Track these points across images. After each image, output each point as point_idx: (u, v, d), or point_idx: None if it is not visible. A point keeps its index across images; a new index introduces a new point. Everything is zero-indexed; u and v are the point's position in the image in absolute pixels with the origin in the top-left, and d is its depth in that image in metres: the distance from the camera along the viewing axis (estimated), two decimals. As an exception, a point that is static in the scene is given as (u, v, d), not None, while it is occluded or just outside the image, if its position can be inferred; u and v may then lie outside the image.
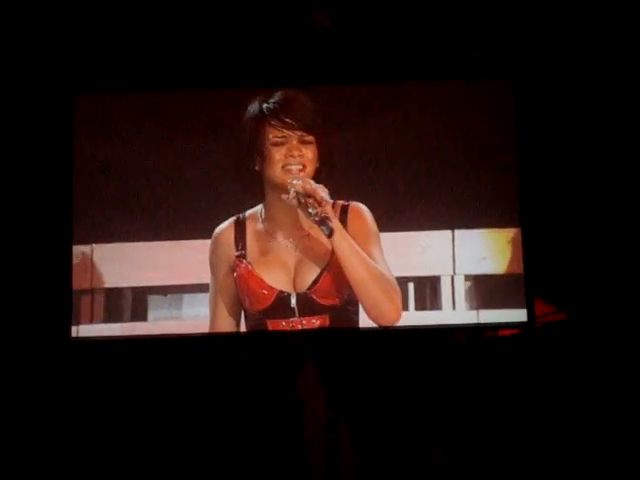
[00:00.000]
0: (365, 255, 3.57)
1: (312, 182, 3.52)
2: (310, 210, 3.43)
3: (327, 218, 3.43)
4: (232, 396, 3.90)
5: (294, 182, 3.49)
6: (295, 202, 3.48)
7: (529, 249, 3.87)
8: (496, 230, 3.89)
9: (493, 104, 3.99)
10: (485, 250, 3.86)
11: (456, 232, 3.87)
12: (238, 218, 3.75)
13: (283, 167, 3.62)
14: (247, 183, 3.72)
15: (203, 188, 3.94)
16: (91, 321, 3.88)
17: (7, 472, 3.78)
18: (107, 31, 4.07)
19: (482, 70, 4.05)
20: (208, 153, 3.96)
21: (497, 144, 3.96)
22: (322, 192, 3.47)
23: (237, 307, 3.72)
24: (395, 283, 3.64)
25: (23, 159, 4.04)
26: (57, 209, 3.97)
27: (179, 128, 4.00)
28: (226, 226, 3.75)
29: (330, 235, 3.45)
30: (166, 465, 3.86)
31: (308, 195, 3.45)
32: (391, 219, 3.76)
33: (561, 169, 4.01)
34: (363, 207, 3.69)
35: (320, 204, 3.43)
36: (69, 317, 3.87)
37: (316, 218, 3.42)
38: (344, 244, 3.53)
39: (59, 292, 3.89)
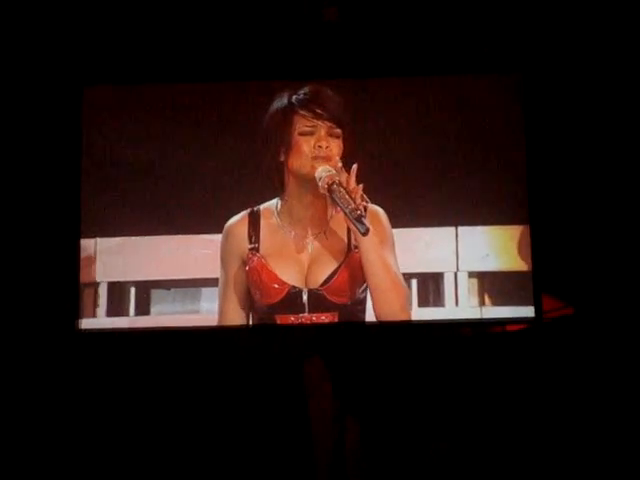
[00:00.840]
0: (388, 261, 3.56)
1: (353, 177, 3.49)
2: (346, 205, 3.41)
3: (363, 216, 3.42)
4: (239, 389, 3.90)
5: (333, 174, 3.48)
6: (325, 189, 3.46)
7: (537, 245, 3.84)
8: (499, 227, 3.87)
9: (502, 100, 3.95)
10: (488, 247, 3.85)
11: (459, 229, 3.85)
12: (252, 211, 3.72)
13: (311, 157, 3.58)
14: (268, 174, 3.69)
15: (210, 182, 3.93)
16: (94, 315, 3.90)
17: (14, 463, 3.82)
18: (116, 22, 4.07)
19: (491, 65, 4.00)
20: (216, 147, 3.95)
21: (505, 140, 3.93)
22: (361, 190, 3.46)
23: (247, 300, 3.71)
24: (408, 292, 3.68)
25: (31, 152, 4.05)
26: (65, 202, 3.98)
27: (187, 121, 3.99)
28: (239, 218, 3.72)
29: (366, 233, 3.41)
30: (172, 457, 3.88)
31: (348, 190, 3.44)
32: (395, 215, 3.71)
33: (570, 165, 3.98)
34: (381, 211, 3.66)
35: (357, 200, 3.42)
36: (76, 309, 3.89)
37: (352, 215, 3.39)
38: (373, 249, 3.51)
39: (66, 285, 3.91)
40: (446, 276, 3.83)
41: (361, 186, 3.46)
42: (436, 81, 3.99)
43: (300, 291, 3.65)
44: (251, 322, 3.75)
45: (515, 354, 3.93)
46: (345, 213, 3.41)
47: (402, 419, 3.87)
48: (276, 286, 3.65)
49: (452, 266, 3.84)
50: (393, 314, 3.60)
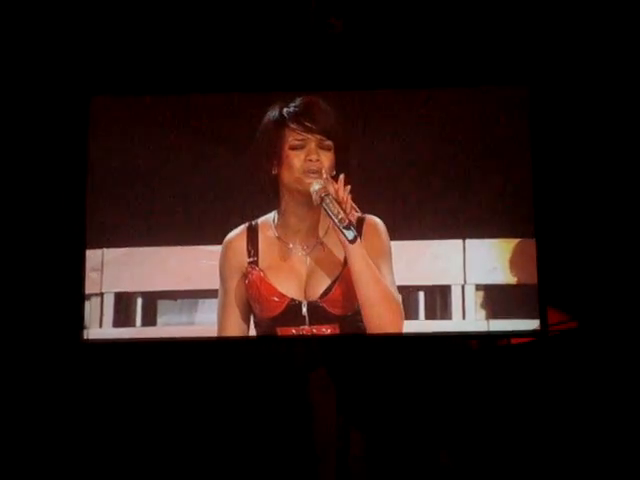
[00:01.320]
0: (378, 273, 3.55)
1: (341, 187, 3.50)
2: (335, 213, 3.42)
3: (352, 224, 3.43)
4: (242, 402, 3.90)
5: (322, 184, 3.50)
6: (318, 202, 3.47)
7: (542, 259, 3.84)
8: (507, 240, 3.86)
9: (508, 112, 3.95)
10: (496, 260, 3.85)
11: (467, 242, 3.85)
12: (250, 225, 3.74)
13: (302, 172, 3.60)
14: (263, 187, 3.70)
15: (215, 194, 3.94)
16: (100, 325, 3.89)
17: (19, 472, 3.81)
18: (123, 34, 4.08)
19: (497, 78, 4.01)
20: (222, 159, 3.95)
21: (511, 153, 3.93)
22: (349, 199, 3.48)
23: (247, 314, 3.71)
24: (401, 306, 3.65)
25: (37, 161, 4.05)
26: (70, 212, 3.98)
27: (193, 132, 4.00)
28: (238, 233, 3.74)
29: (353, 241, 3.43)
30: (176, 468, 3.87)
31: (337, 199, 3.45)
32: (402, 228, 3.74)
33: (575, 179, 3.98)
34: (379, 221, 3.67)
35: (347, 210, 3.43)
36: (81, 320, 3.89)
37: (341, 223, 3.40)
38: (360, 258, 3.51)
39: (71, 295, 3.91)
40: (453, 289, 3.83)
41: (349, 196, 3.48)
42: (442, 94, 3.99)
43: (300, 303, 3.66)
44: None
45: (520, 367, 3.92)
46: (333, 222, 3.43)
47: (406, 431, 3.86)
48: (275, 299, 3.66)
49: (460, 279, 3.84)
50: (382, 328, 3.60)
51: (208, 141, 3.98)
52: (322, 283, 3.65)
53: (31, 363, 3.92)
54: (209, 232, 3.86)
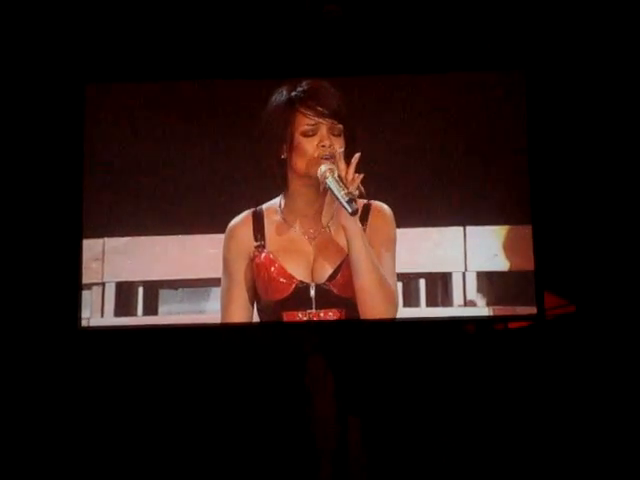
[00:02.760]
0: (377, 263, 3.56)
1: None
2: (337, 188, 3.41)
3: (354, 198, 3.41)
4: (241, 387, 3.90)
5: (332, 167, 3.48)
6: (323, 180, 3.47)
7: (539, 245, 3.86)
8: (508, 227, 3.88)
9: (505, 98, 3.96)
10: (496, 247, 3.86)
11: (467, 229, 3.86)
12: (255, 211, 3.72)
13: (314, 157, 3.57)
14: (271, 171, 3.68)
15: (216, 181, 3.93)
16: (102, 315, 3.88)
17: (17, 461, 3.81)
18: (118, 19, 4.04)
19: (494, 63, 4.01)
20: (221, 146, 3.95)
21: (509, 139, 3.94)
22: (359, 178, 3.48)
23: (251, 299, 3.70)
24: (395, 294, 3.66)
25: (33, 151, 4.02)
26: (68, 202, 3.96)
27: (191, 119, 3.98)
28: (243, 218, 3.72)
29: (354, 213, 3.41)
30: (176, 455, 3.88)
31: (342, 178, 3.45)
32: (403, 215, 3.73)
33: (572, 165, 4.00)
34: (386, 208, 3.68)
35: (350, 186, 3.43)
36: (78, 309, 3.88)
37: (343, 198, 3.39)
38: (359, 238, 3.51)
39: (70, 285, 3.90)
40: (454, 276, 3.84)
41: (361, 176, 3.48)
42: (440, 80, 3.99)
43: (307, 286, 3.66)
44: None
45: (518, 351, 3.95)
46: (336, 197, 3.42)
47: (405, 417, 3.88)
48: (284, 281, 3.65)
49: (460, 266, 3.85)
50: (374, 314, 3.61)
51: (207, 127, 3.97)
52: (330, 265, 3.65)
53: (30, 353, 3.91)
54: (211, 220, 3.85)
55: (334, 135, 3.59)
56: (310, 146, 3.58)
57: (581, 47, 4.01)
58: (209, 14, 4.05)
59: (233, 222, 3.72)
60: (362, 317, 3.62)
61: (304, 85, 3.66)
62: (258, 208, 3.73)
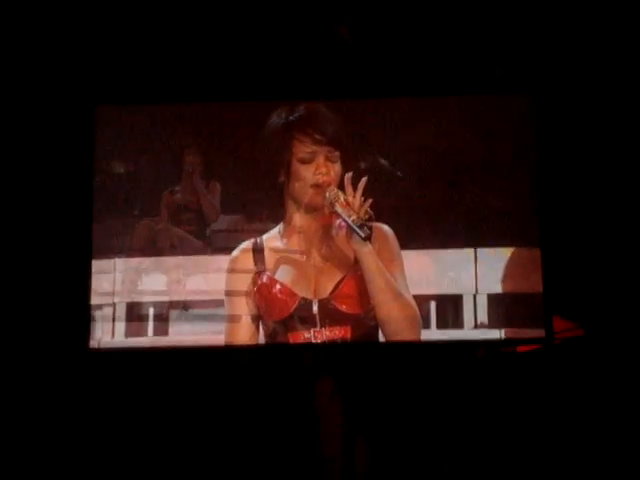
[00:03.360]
0: (391, 278, 3.57)
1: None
2: (347, 215, 3.43)
3: (365, 225, 3.43)
4: (249, 409, 3.90)
5: (334, 191, 3.51)
6: (331, 209, 3.51)
7: (548, 268, 3.86)
8: (518, 249, 3.88)
9: (513, 122, 3.96)
10: (506, 269, 3.85)
11: (478, 251, 3.86)
12: (255, 241, 3.76)
13: (312, 185, 3.62)
14: (269, 195, 3.73)
15: (224, 201, 3.94)
16: (113, 336, 3.88)
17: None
18: (128, 43, 4.07)
19: (502, 87, 4.04)
20: (229, 166, 3.95)
21: (517, 162, 3.94)
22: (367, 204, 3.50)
23: (256, 324, 3.72)
24: (417, 310, 3.66)
25: (44, 171, 4.03)
26: (78, 222, 3.97)
27: (199, 141, 3.99)
28: (243, 248, 3.76)
29: (367, 238, 3.43)
30: (184, 474, 3.87)
31: (350, 202, 3.47)
32: (413, 237, 3.76)
33: (581, 187, 4.01)
34: (387, 228, 3.70)
35: (358, 211, 3.45)
36: (87, 329, 3.88)
37: (354, 223, 3.41)
38: (373, 260, 3.53)
39: (80, 305, 3.89)
40: (465, 298, 3.84)
41: (370, 200, 3.49)
42: (448, 103, 3.99)
43: (310, 302, 3.66)
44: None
45: (526, 375, 3.94)
46: (347, 223, 3.44)
47: (413, 439, 3.87)
48: (286, 298, 3.67)
49: (471, 288, 3.85)
50: (399, 332, 3.62)
51: (214, 149, 3.97)
52: (332, 280, 3.67)
53: (41, 373, 3.91)
54: (222, 241, 3.86)
55: (331, 162, 3.62)
56: (307, 173, 3.62)
57: (588, 72, 4.03)
58: (216, 38, 4.09)
59: (234, 254, 3.76)
60: (386, 337, 3.64)
61: (301, 110, 3.70)
62: (258, 239, 3.77)
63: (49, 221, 4.00)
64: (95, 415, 3.91)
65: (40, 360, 3.91)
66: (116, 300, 3.88)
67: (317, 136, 3.63)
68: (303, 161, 3.62)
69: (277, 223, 3.77)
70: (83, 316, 3.88)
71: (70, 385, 3.92)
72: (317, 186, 3.61)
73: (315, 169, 3.62)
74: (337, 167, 3.63)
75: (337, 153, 3.63)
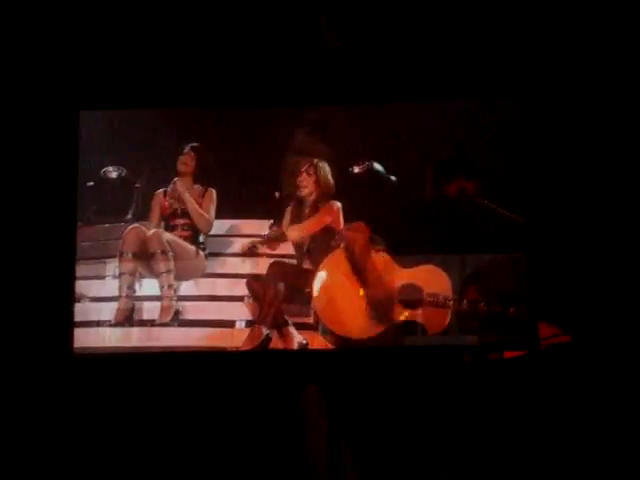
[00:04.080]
0: None
1: None
2: None
3: None
4: (235, 417, 3.88)
5: None
6: None
7: (533, 274, 3.87)
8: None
9: (500, 127, 3.97)
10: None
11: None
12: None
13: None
14: (265, 200, 3.88)
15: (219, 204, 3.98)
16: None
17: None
18: (112, 47, 4.07)
19: (490, 93, 4.04)
20: (223, 172, 3.99)
21: (503, 166, 3.95)
22: None
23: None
24: None
25: (28, 176, 4.02)
26: (62, 226, 3.95)
27: (185, 146, 4.00)
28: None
29: None
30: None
31: None
32: (400, 242, 3.79)
33: (567, 193, 4.02)
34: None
35: None
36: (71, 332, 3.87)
37: None
38: None
39: (63, 306, 3.89)
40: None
41: None
42: (433, 108, 4.00)
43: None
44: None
45: (513, 381, 3.94)
46: None
47: (399, 446, 3.86)
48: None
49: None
50: None
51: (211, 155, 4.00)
52: None
53: (25, 378, 3.90)
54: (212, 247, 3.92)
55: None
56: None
57: (577, 77, 4.05)
58: (204, 44, 4.09)
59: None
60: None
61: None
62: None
63: (34, 226, 3.99)
64: (82, 421, 3.89)
65: (25, 365, 3.90)
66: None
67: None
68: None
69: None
70: (66, 321, 3.87)
71: (55, 390, 3.90)
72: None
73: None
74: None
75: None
